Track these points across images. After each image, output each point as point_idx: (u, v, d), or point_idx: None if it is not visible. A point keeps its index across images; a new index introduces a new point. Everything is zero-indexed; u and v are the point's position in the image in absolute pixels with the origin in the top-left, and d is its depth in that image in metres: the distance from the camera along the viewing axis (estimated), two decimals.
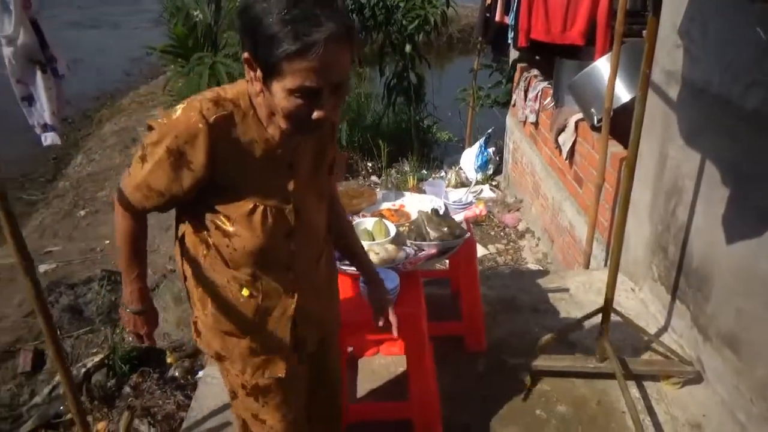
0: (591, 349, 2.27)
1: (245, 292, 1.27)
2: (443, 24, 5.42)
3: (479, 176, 5.31)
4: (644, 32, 3.63)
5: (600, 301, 2.19)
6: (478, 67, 5.61)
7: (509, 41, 3.77)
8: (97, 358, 3.18)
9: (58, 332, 3.57)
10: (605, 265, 3.04)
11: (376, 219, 2.07)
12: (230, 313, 1.30)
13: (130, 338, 1.39)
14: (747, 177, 1.89)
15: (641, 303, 2.58)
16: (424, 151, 5.98)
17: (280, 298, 1.30)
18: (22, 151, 7.04)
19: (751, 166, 1.86)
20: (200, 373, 3.18)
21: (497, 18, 3.93)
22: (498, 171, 5.55)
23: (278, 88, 1.04)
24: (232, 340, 1.31)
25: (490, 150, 5.53)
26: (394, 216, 2.14)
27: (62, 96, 1.62)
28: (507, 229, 4.54)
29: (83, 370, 3.13)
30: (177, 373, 3.20)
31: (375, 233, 2.00)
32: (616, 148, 2.89)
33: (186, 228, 1.30)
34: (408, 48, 5.19)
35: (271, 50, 0.99)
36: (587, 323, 2.35)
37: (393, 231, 2.00)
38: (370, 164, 5.53)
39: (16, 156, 6.93)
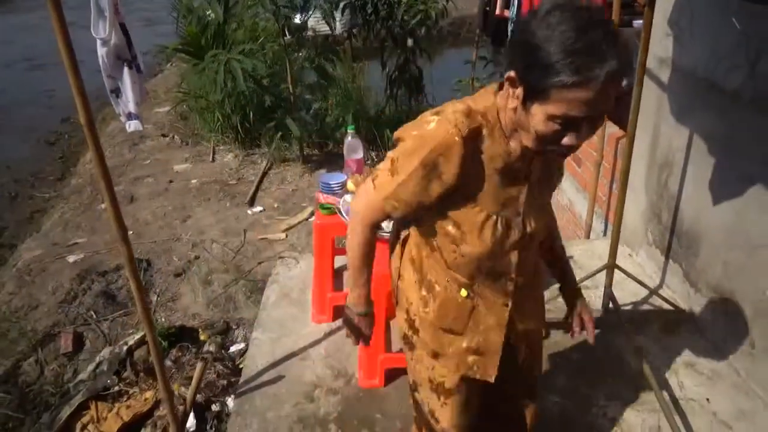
0: (596, 305, 2.57)
1: (463, 293, 1.32)
2: (442, 18, 5.69)
3: None
4: (633, 21, 3.93)
5: (601, 264, 2.49)
6: (476, 58, 5.89)
7: (510, 34, 4.04)
8: (137, 336, 3.42)
9: (94, 315, 3.83)
10: (604, 235, 3.34)
11: None
12: (450, 312, 1.35)
13: (350, 339, 1.54)
14: (729, 146, 2.18)
15: (639, 266, 2.88)
16: None
17: (495, 305, 1.34)
18: (26, 152, 7.23)
19: (733, 137, 2.16)
20: (232, 348, 3.45)
21: (497, 12, 4.20)
22: None
23: (539, 110, 1.05)
24: (449, 337, 1.36)
25: None
26: None
27: (143, 89, 1.87)
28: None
29: (125, 347, 3.37)
30: (212, 348, 3.45)
31: None
32: (612, 128, 3.18)
33: (412, 231, 1.39)
34: (410, 42, 5.45)
35: (546, 77, 1.00)
36: (591, 283, 2.65)
37: None
38: (374, 153, 5.80)
39: (23, 156, 7.12)
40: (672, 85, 2.54)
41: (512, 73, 1.08)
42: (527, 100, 1.06)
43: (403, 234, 1.44)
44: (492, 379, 1.38)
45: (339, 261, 2.96)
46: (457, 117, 1.14)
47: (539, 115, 1.05)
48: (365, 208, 1.30)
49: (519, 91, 1.07)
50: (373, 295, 2.10)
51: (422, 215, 1.28)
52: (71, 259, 4.46)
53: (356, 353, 2.40)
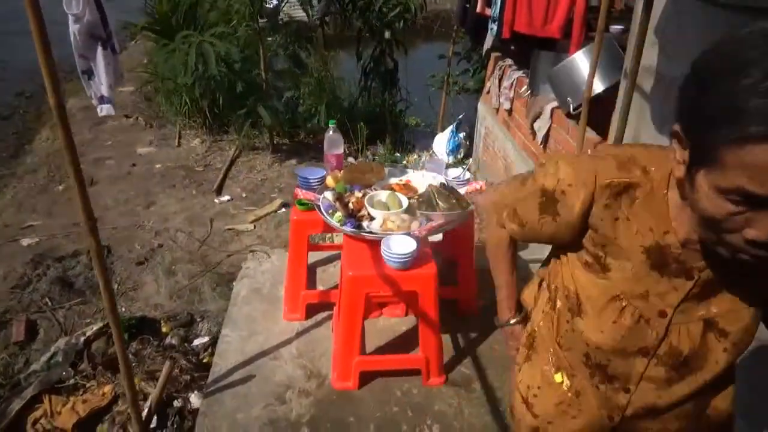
0: None
1: (558, 377, 1.12)
2: (422, 11, 5.63)
3: (451, 160, 5.58)
4: (610, 27, 3.95)
5: None
6: (452, 54, 5.86)
7: (490, 32, 4.02)
8: (96, 327, 3.27)
9: (49, 303, 3.65)
10: None
11: (389, 192, 2.29)
12: (530, 385, 1.18)
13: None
14: None
15: None
16: (396, 135, 6.21)
17: (592, 415, 1.09)
18: None
19: None
20: (195, 342, 3.33)
21: (478, 9, 4.17)
22: (468, 155, 5.83)
23: (704, 181, 0.76)
24: (518, 408, 1.21)
25: (461, 135, 5.80)
26: (403, 189, 2.36)
27: (117, 71, 1.75)
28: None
29: (82, 338, 3.22)
30: (174, 341, 3.33)
31: (389, 204, 2.22)
32: (589, 134, 3.19)
33: (545, 277, 1.20)
34: (387, 34, 5.38)
35: (714, 127, 0.71)
36: None
37: (405, 202, 2.23)
38: (347, 146, 5.71)
39: None
40: (655, 93, 2.55)
41: (677, 126, 0.80)
42: (693, 165, 0.78)
43: (541, 276, 1.22)
44: None
45: (313, 256, 2.89)
46: (606, 162, 0.94)
47: (705, 187, 0.76)
48: (492, 206, 1.21)
49: (685, 154, 0.79)
50: (348, 297, 2.06)
51: (556, 262, 1.11)
52: (25, 242, 4.24)
53: (329, 354, 2.35)
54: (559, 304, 1.09)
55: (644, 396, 1.03)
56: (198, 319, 3.54)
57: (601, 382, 1.06)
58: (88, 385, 2.94)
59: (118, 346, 1.76)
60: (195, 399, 2.70)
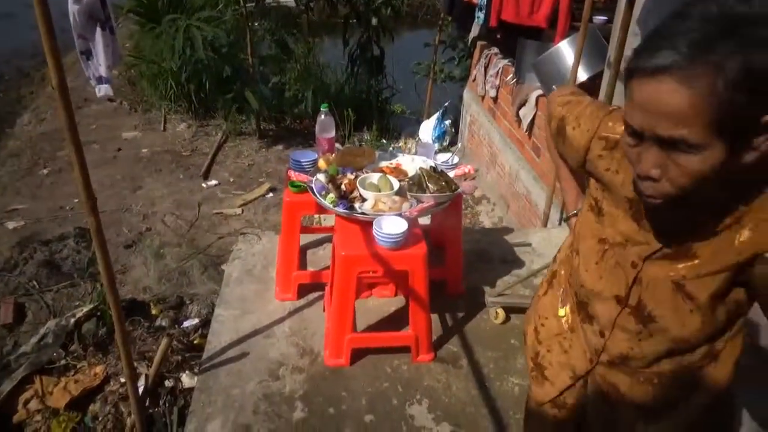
0: None
1: (562, 312, 1.21)
2: None
3: (437, 147, 5.64)
4: (594, 17, 4.03)
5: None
6: (438, 42, 5.91)
7: (476, 20, 4.08)
8: (86, 308, 3.29)
9: (37, 286, 3.66)
10: (560, 224, 3.46)
11: (380, 174, 2.34)
12: (541, 314, 1.28)
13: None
14: None
15: None
16: (382, 122, 6.26)
17: (579, 351, 1.18)
18: None
19: None
20: (185, 323, 3.37)
21: None
22: (453, 142, 5.91)
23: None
24: (530, 333, 1.32)
25: (447, 122, 5.87)
26: (393, 172, 2.41)
27: (116, 52, 1.77)
28: (464, 196, 4.91)
29: (72, 319, 3.24)
30: (164, 323, 3.37)
31: (381, 186, 2.27)
32: None
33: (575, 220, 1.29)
34: (374, 21, 5.40)
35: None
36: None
37: (396, 185, 2.29)
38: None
39: None
40: None
41: None
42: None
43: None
44: (535, 406, 1.30)
45: (304, 239, 2.94)
46: (613, 116, 1.04)
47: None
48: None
49: None
50: (341, 276, 2.12)
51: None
52: (10, 225, 4.23)
53: (321, 333, 2.41)
54: (575, 243, 1.17)
55: (617, 344, 1.09)
56: (187, 302, 3.58)
57: (583, 320, 1.14)
58: (79, 365, 2.97)
59: (116, 320, 1.80)
60: (186, 379, 2.75)
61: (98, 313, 3.28)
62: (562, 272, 1.25)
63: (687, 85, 0.73)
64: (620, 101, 2.74)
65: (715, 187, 0.85)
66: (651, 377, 1.09)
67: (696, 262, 0.93)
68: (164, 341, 2.30)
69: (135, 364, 2.85)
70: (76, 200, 4.50)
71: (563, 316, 1.20)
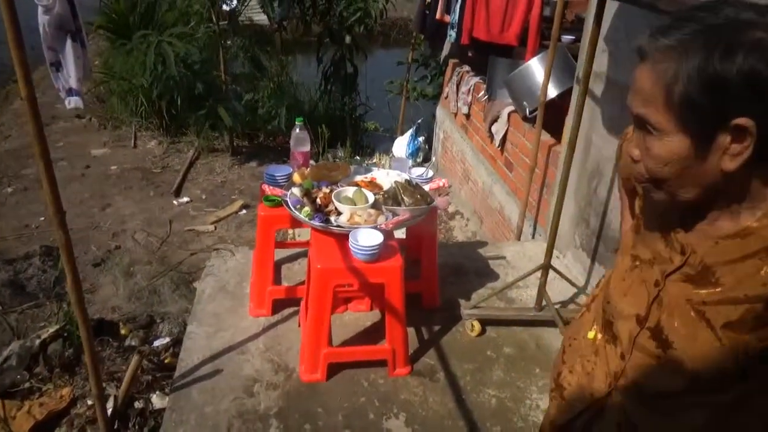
0: (527, 304, 2.70)
1: (591, 333, 1.15)
2: (381, 18, 5.73)
3: (410, 162, 5.68)
4: (562, 36, 4.14)
5: (532, 266, 2.62)
6: (411, 60, 5.98)
7: (448, 38, 4.15)
8: (52, 329, 3.19)
9: (0, 307, 3.54)
10: (533, 237, 3.50)
11: (355, 188, 2.35)
12: (572, 335, 1.24)
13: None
14: None
15: (565, 267, 3.05)
16: (356, 138, 6.29)
17: (604, 376, 1.09)
18: None
19: None
20: (156, 343, 3.29)
21: (438, 16, 4.29)
22: (427, 159, 5.96)
23: None
24: (558, 353, 1.28)
25: (420, 139, 5.92)
26: (368, 186, 2.42)
27: (87, 64, 1.75)
28: (439, 212, 4.95)
29: (38, 340, 3.14)
30: (134, 343, 3.28)
31: (356, 200, 2.28)
32: (545, 136, 3.35)
33: None
34: (347, 39, 5.45)
35: None
36: (522, 283, 2.78)
37: (371, 198, 2.29)
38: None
39: None
40: (604, 98, 2.71)
41: None
42: None
43: None
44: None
45: (279, 254, 2.91)
46: None
47: None
48: None
49: None
50: (317, 290, 2.11)
51: None
52: None
53: (296, 348, 2.38)
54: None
55: (636, 368, 1.02)
56: (158, 320, 3.50)
57: (608, 341, 1.08)
58: (44, 388, 2.88)
59: (84, 338, 1.75)
60: (157, 400, 2.68)
61: (65, 334, 3.19)
62: (601, 296, 1.20)
63: (654, 69, 0.79)
64: (588, 116, 2.81)
65: (722, 194, 0.85)
66: (667, 413, 1.00)
67: (718, 289, 0.88)
68: (134, 359, 2.25)
69: (104, 385, 2.78)
70: (42, 218, 4.39)
71: (592, 338, 1.15)
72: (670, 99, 0.78)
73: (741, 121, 0.75)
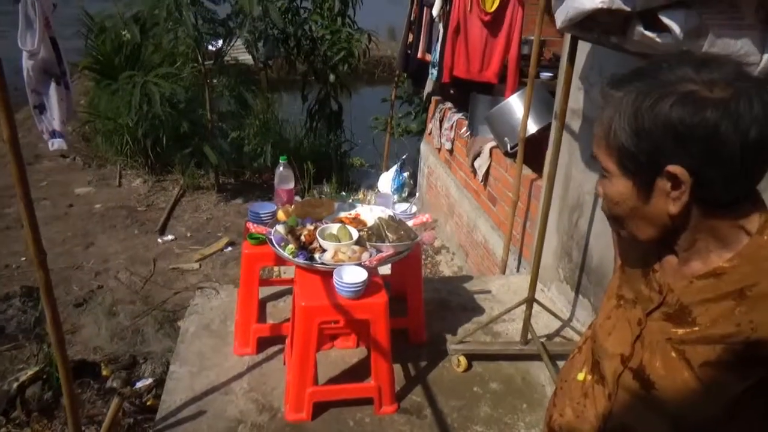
0: (513, 338, 2.70)
1: (581, 376, 1.12)
2: (365, 56, 5.86)
3: (396, 198, 5.73)
4: (541, 73, 4.26)
5: (517, 299, 2.64)
6: (395, 97, 6.10)
7: (430, 76, 4.25)
8: (31, 371, 3.13)
9: None
10: (517, 271, 3.52)
11: (339, 224, 2.36)
12: (563, 377, 1.21)
13: None
14: None
15: (550, 301, 3.07)
16: (342, 174, 6.34)
17: (594, 419, 1.06)
18: None
19: None
20: (138, 384, 3.23)
21: (419, 55, 4.40)
22: (412, 194, 6.01)
23: None
24: (551, 396, 1.25)
25: (405, 174, 5.99)
26: (352, 223, 2.44)
27: (70, 107, 1.77)
28: (424, 246, 4.97)
29: (15, 383, 3.07)
30: (115, 384, 3.22)
31: (340, 236, 2.29)
32: (526, 171, 3.40)
33: None
34: (332, 77, 5.55)
35: None
36: (508, 317, 2.79)
37: (355, 234, 2.31)
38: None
39: None
40: (582, 133, 2.78)
41: None
42: None
43: None
44: None
45: (263, 291, 2.90)
46: None
47: None
48: None
49: None
50: (302, 327, 2.10)
51: None
52: None
53: (282, 387, 2.35)
54: None
55: (622, 410, 1.01)
56: (141, 361, 3.44)
57: (597, 382, 1.07)
58: None
59: (63, 380, 1.72)
60: None
61: (44, 376, 3.12)
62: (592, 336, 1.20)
63: (602, 116, 0.86)
64: (567, 151, 2.87)
65: (685, 235, 0.87)
66: None
67: (696, 328, 0.89)
68: (115, 401, 2.20)
69: (83, 428, 2.71)
70: (23, 258, 4.33)
71: (582, 380, 1.13)
72: (609, 145, 0.85)
73: (671, 168, 0.79)
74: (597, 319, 1.13)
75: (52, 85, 1.69)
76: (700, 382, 0.88)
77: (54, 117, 1.72)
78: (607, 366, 1.03)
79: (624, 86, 0.83)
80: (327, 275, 2.13)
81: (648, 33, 1.52)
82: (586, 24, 1.73)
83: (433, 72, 4.08)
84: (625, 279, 1.04)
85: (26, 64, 1.65)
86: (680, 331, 0.91)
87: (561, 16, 1.78)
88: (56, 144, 1.77)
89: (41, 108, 1.72)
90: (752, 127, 0.76)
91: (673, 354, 0.91)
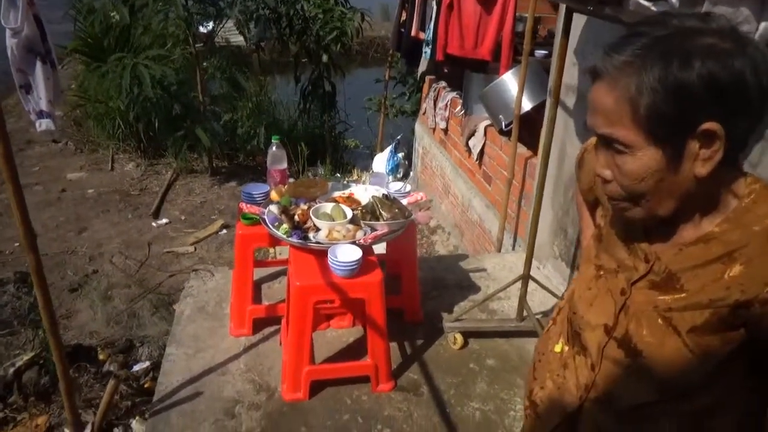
0: (509, 315, 2.71)
1: (558, 347, 1.12)
2: (358, 36, 5.79)
3: (391, 179, 5.70)
4: (535, 51, 4.22)
5: (513, 277, 2.63)
6: (389, 78, 6.03)
7: (424, 55, 4.19)
8: (27, 357, 3.12)
9: None
10: (513, 249, 3.52)
11: (333, 204, 2.35)
12: (540, 350, 1.20)
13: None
14: None
15: (545, 278, 3.07)
16: (336, 155, 6.30)
17: (575, 389, 1.06)
18: None
19: None
20: (135, 367, 3.23)
21: (412, 33, 4.34)
22: (407, 174, 5.99)
23: None
24: (529, 370, 1.24)
25: (400, 155, 5.95)
26: (346, 202, 2.42)
27: (57, 86, 1.73)
28: (420, 226, 4.96)
29: (12, 369, 3.06)
30: (112, 368, 3.22)
31: (334, 215, 2.27)
32: (521, 149, 3.39)
33: None
34: (325, 57, 5.49)
35: None
36: (503, 294, 2.79)
37: (349, 213, 2.29)
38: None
39: None
40: (576, 109, 2.76)
41: None
42: None
43: None
44: None
45: (258, 273, 2.89)
46: None
47: None
48: None
49: None
50: (297, 307, 2.09)
51: None
52: None
53: (278, 366, 2.35)
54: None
55: (606, 379, 1.01)
56: (137, 344, 3.44)
57: (577, 353, 1.07)
58: (19, 418, 2.81)
59: (58, 364, 1.71)
60: (137, 425, 2.62)
61: (41, 361, 3.11)
62: (567, 308, 1.19)
63: (615, 86, 0.80)
64: (562, 128, 2.85)
65: (689, 202, 0.85)
66: (638, 423, 0.99)
67: (683, 294, 0.89)
68: (111, 383, 2.20)
69: (80, 412, 2.71)
70: (17, 244, 4.30)
71: (559, 351, 1.12)
72: (636, 113, 0.79)
73: (708, 125, 0.77)
74: (574, 289, 1.12)
75: (38, 65, 1.65)
76: (688, 347, 0.89)
77: (41, 96, 1.69)
78: (589, 337, 1.03)
79: (629, 48, 0.79)
80: (321, 254, 2.12)
81: (644, 2, 1.49)
82: None
83: (427, 51, 4.03)
84: (603, 248, 1.04)
85: (10, 42, 1.61)
86: (668, 298, 0.91)
87: None
88: (44, 124, 1.74)
89: (27, 88, 1.68)
90: (766, 70, 0.76)
91: (660, 321, 0.91)
